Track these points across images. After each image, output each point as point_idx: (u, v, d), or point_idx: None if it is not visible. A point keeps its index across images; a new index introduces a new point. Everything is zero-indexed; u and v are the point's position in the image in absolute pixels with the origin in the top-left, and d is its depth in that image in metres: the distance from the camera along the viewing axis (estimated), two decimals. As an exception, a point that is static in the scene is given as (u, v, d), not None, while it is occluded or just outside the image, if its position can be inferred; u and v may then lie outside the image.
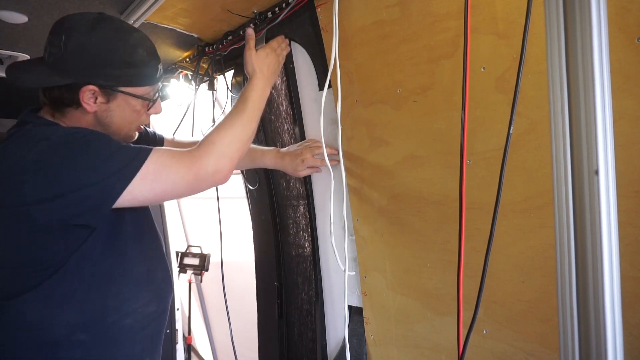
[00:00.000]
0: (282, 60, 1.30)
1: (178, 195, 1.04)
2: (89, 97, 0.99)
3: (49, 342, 0.99)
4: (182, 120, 1.91)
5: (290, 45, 1.52)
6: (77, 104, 1.00)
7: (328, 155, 1.34)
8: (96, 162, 0.93)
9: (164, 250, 1.29)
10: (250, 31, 1.25)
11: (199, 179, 1.01)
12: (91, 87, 0.98)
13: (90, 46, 0.96)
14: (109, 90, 1.01)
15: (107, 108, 1.03)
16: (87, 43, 0.96)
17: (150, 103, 1.10)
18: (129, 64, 1.01)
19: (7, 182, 0.91)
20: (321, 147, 1.34)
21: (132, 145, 1.00)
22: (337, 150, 1.32)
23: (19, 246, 0.96)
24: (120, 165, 0.94)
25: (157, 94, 1.12)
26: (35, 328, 0.99)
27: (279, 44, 1.29)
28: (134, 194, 0.94)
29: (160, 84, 1.13)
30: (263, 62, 1.22)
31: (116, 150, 0.96)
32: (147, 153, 0.97)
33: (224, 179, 1.05)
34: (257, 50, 1.23)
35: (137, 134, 1.17)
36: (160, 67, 1.09)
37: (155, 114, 1.16)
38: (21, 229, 0.94)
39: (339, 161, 1.33)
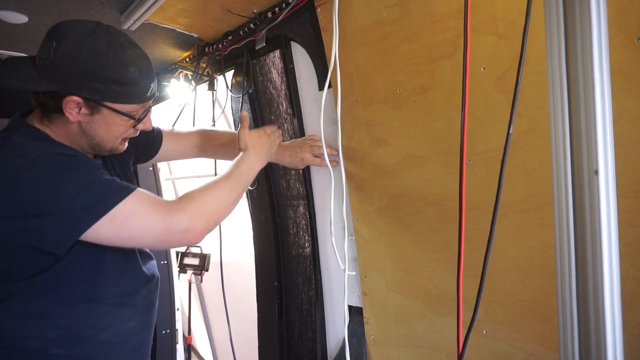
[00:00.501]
0: (274, 147, 1.30)
1: (145, 245, 0.98)
2: (73, 107, 0.97)
3: (23, 353, 0.99)
4: (179, 116, 1.91)
5: (290, 46, 1.53)
6: (61, 111, 0.98)
7: (328, 155, 1.34)
8: (67, 192, 0.91)
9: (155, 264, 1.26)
10: (245, 113, 1.28)
11: (170, 233, 0.97)
12: (75, 97, 0.95)
13: (79, 57, 0.93)
14: (92, 103, 0.97)
15: (90, 120, 1.00)
16: (76, 54, 0.93)
17: (135, 121, 1.07)
18: (117, 81, 0.97)
19: None
20: (321, 146, 1.34)
21: (116, 181, 0.97)
22: (337, 151, 1.33)
23: None
24: (92, 201, 0.91)
25: (145, 112, 1.08)
26: (9, 339, 0.98)
27: (273, 131, 1.31)
28: (98, 233, 0.92)
29: (151, 102, 1.09)
30: (256, 140, 1.24)
31: (93, 184, 0.93)
32: (125, 194, 0.94)
33: (196, 239, 1.00)
34: (250, 131, 1.25)
35: (125, 145, 1.13)
36: (153, 86, 1.05)
37: (145, 130, 1.13)
38: None
39: (338, 162, 1.33)
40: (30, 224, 0.90)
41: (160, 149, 1.42)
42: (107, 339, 1.06)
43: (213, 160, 1.80)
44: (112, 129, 1.04)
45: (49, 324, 1.00)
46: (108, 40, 0.96)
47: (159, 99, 2.17)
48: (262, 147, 1.24)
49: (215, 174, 1.87)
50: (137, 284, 1.13)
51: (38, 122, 1.03)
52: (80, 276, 1.00)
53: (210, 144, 1.50)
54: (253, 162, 1.20)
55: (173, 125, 1.63)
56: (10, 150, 0.94)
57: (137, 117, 1.05)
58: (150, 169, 2.65)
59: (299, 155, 1.41)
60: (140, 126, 1.10)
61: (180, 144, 1.48)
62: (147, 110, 1.09)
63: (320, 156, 1.39)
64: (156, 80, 1.07)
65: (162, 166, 3.40)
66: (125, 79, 0.98)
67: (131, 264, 1.13)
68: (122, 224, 0.93)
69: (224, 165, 1.86)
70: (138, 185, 1.03)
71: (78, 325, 1.02)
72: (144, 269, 1.18)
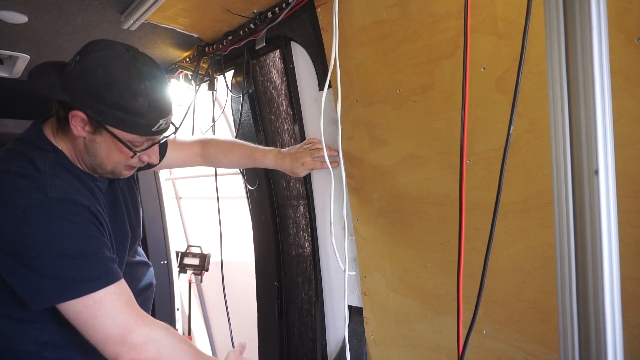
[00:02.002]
0: None
1: (88, 337, 0.93)
2: (78, 121, 0.98)
3: (15, 355, 0.99)
4: (182, 121, 1.91)
5: (290, 46, 1.53)
6: (68, 123, 0.99)
7: (328, 156, 1.34)
8: (59, 254, 0.91)
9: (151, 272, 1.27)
10: (244, 343, 1.26)
11: (120, 339, 0.91)
12: (81, 113, 0.97)
13: (92, 76, 0.94)
14: (95, 123, 0.98)
15: (93, 139, 1.01)
16: (91, 72, 0.94)
17: (133, 153, 1.04)
18: (121, 107, 0.96)
19: None
20: (321, 149, 1.34)
21: (106, 261, 0.96)
22: (337, 151, 1.32)
23: None
24: (75, 276, 0.90)
25: (149, 146, 1.07)
26: (1, 340, 0.99)
27: None
28: (62, 307, 0.91)
29: (158, 137, 1.08)
30: None
31: (85, 255, 0.93)
32: (109, 281, 0.93)
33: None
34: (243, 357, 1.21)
35: (131, 172, 1.12)
36: (162, 122, 1.03)
37: (150, 163, 1.12)
38: None
39: (338, 162, 1.33)
40: (13, 266, 0.91)
41: (164, 157, 1.42)
42: None
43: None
44: (112, 154, 1.03)
45: (43, 328, 1.00)
46: (127, 67, 0.96)
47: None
48: None
49: (216, 174, 1.87)
50: (134, 294, 1.13)
51: (54, 132, 1.04)
52: None
53: (211, 152, 1.51)
54: None
55: (175, 132, 1.63)
56: (32, 179, 0.94)
57: (136, 149, 1.04)
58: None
59: (299, 160, 1.41)
60: (145, 158, 1.09)
61: (183, 152, 1.49)
62: (153, 144, 1.08)
63: (320, 159, 1.39)
64: (169, 117, 1.05)
65: (162, 166, 3.39)
66: (131, 108, 0.97)
67: (128, 274, 1.13)
68: (89, 306, 0.91)
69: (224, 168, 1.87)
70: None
71: (73, 330, 1.02)
72: (141, 278, 1.18)
